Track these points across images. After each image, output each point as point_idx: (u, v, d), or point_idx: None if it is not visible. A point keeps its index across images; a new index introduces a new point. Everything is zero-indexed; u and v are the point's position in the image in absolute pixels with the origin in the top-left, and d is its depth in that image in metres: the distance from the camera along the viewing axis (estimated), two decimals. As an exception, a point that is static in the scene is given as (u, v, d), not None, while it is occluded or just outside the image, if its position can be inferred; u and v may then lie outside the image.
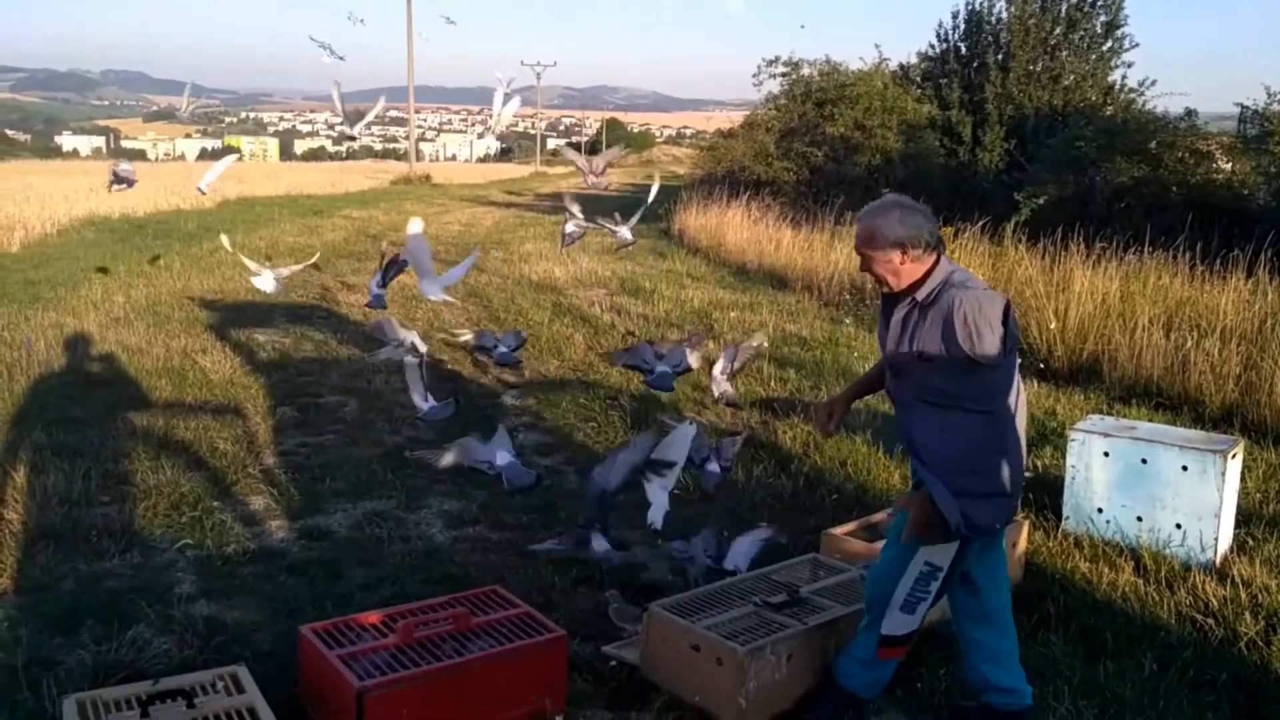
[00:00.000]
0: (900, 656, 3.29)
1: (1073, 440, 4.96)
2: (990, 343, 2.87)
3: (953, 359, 2.90)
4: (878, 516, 4.64)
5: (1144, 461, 4.75)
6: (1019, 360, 3.14)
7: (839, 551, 4.28)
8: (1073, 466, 4.94)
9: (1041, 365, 8.49)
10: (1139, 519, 4.76)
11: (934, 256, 3.00)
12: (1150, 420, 6.41)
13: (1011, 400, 3.01)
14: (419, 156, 58.88)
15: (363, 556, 4.56)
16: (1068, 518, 4.96)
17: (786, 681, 3.39)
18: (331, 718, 3.08)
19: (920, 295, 2.98)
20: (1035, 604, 4.16)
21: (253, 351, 8.48)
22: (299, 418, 6.71)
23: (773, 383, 7.87)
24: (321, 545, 4.69)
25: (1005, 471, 2.96)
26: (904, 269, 3.00)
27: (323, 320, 10.13)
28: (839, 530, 4.45)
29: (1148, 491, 4.74)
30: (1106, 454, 4.85)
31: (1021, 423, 3.10)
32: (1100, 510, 4.86)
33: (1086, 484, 4.90)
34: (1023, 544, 4.49)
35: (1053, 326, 8.75)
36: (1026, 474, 3.26)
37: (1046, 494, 5.25)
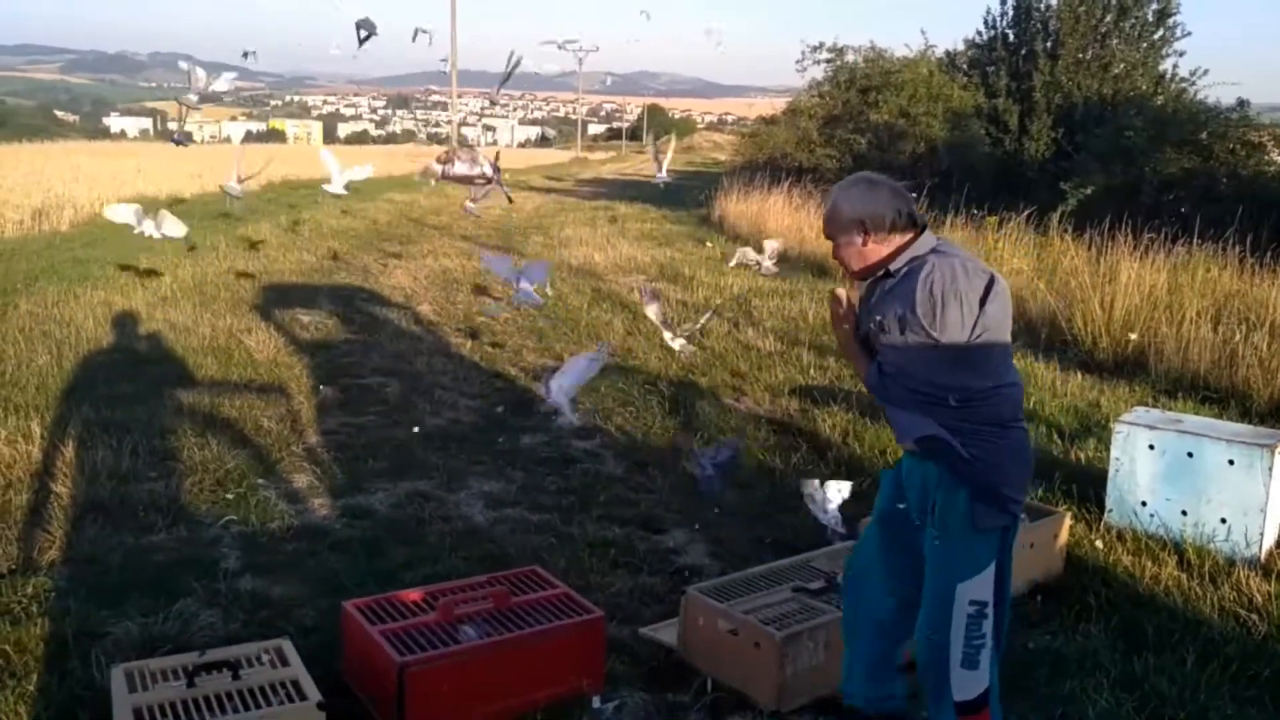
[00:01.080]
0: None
1: (1117, 432, 4.91)
2: (955, 320, 2.56)
3: (912, 332, 2.62)
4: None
5: (1190, 455, 4.69)
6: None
7: (878, 539, 4.26)
8: (1117, 459, 4.89)
9: (1086, 356, 8.40)
10: (1184, 513, 4.70)
11: (908, 234, 2.73)
12: (1197, 414, 6.32)
13: (1000, 408, 2.68)
14: (461, 141, 59.08)
15: (403, 535, 4.61)
16: (1111, 510, 4.91)
17: (824, 667, 3.38)
18: (373, 692, 3.13)
19: (893, 266, 2.72)
20: (1076, 596, 4.13)
21: (296, 332, 8.58)
22: (341, 398, 6.78)
23: (812, 370, 7.84)
24: (363, 523, 4.74)
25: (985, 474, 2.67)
26: (868, 250, 2.75)
27: (366, 302, 10.22)
28: (878, 518, 4.43)
29: (1193, 485, 4.68)
30: (1152, 446, 4.79)
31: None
32: (1144, 503, 4.81)
33: (1131, 477, 4.85)
34: (1064, 536, 4.46)
35: (1097, 316, 8.64)
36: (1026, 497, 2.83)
37: (1090, 486, 5.20)
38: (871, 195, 2.74)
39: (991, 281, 2.61)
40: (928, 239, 2.74)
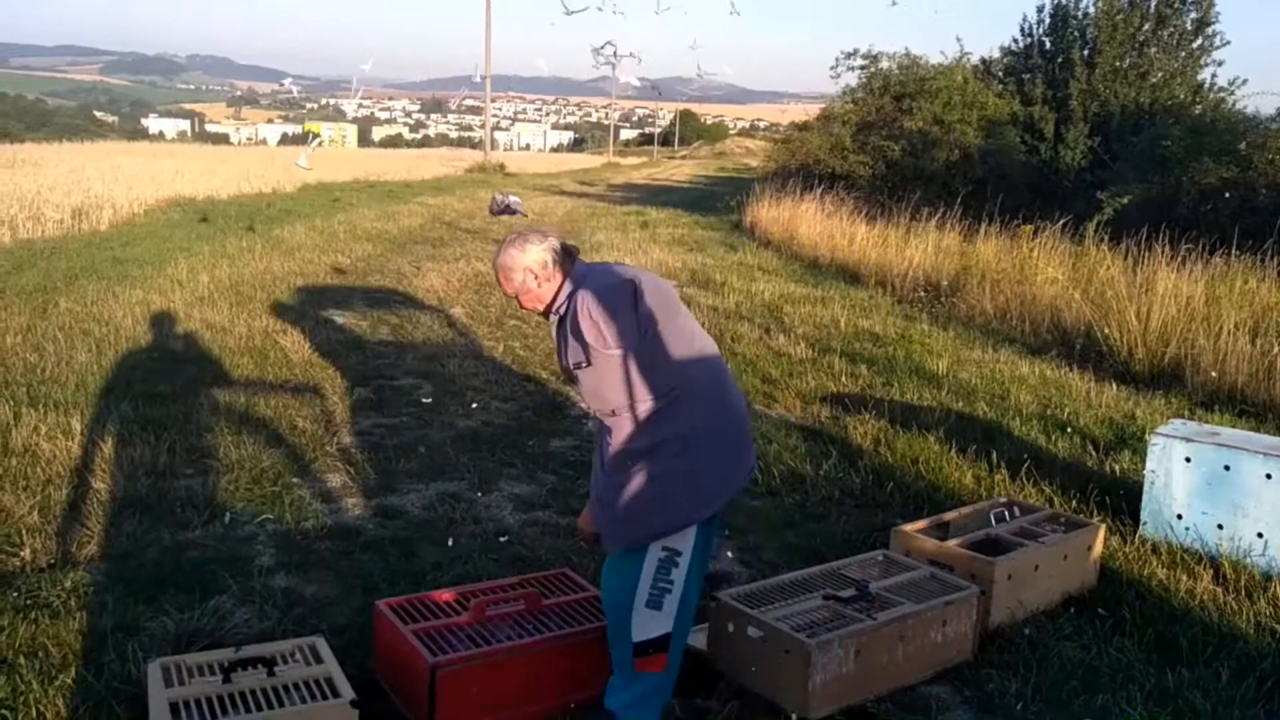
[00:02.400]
0: (661, 669, 3.04)
1: (1153, 445, 4.86)
2: (618, 332, 2.91)
3: (596, 357, 2.94)
4: (949, 515, 4.60)
5: (1226, 468, 4.64)
6: (692, 344, 3.07)
7: (909, 548, 4.25)
8: (1152, 471, 4.85)
9: (1122, 367, 8.33)
10: (1219, 526, 4.65)
11: (568, 266, 3.08)
12: (1234, 427, 6.24)
13: (682, 385, 2.97)
14: (494, 145, 59.37)
15: (435, 536, 4.64)
16: (1146, 523, 4.87)
17: (854, 676, 3.38)
18: (405, 691, 3.15)
19: (556, 307, 3.08)
20: (1110, 609, 4.10)
21: (331, 333, 8.65)
22: (375, 399, 6.83)
23: (844, 378, 7.82)
24: (395, 524, 4.78)
25: (669, 468, 2.95)
26: (543, 291, 3.08)
27: (399, 304, 10.29)
28: (909, 527, 4.41)
29: (1229, 499, 4.63)
30: (1188, 459, 4.74)
31: (714, 410, 3.06)
32: (1180, 517, 4.76)
33: (1166, 490, 4.80)
34: (1099, 549, 4.42)
35: (1133, 327, 8.56)
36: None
37: (1124, 499, 5.16)
38: (526, 245, 3.08)
39: (635, 287, 2.95)
40: (577, 273, 3.07)
